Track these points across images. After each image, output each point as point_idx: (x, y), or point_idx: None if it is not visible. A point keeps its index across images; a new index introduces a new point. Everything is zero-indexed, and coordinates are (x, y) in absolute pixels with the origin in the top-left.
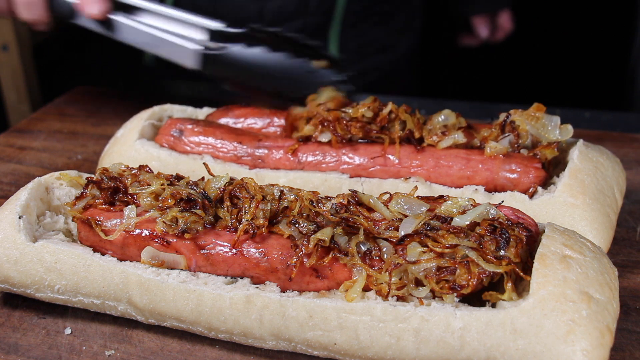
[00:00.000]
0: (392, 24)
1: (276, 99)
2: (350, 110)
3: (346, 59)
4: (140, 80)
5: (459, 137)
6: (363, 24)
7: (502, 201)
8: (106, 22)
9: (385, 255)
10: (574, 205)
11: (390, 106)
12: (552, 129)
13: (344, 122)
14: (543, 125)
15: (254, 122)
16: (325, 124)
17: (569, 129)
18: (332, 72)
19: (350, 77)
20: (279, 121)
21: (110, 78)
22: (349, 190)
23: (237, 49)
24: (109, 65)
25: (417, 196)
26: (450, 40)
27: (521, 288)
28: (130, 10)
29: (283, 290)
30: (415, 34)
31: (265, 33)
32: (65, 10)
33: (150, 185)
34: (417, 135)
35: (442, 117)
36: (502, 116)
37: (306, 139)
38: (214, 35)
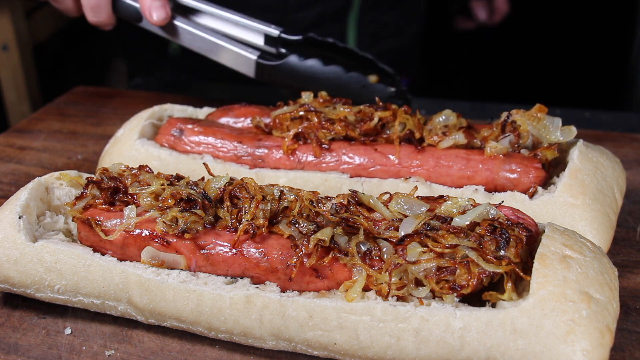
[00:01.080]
0: (404, 7)
1: None
2: (334, 111)
3: (397, 73)
4: (161, 71)
5: (460, 138)
6: (380, 7)
7: (502, 201)
8: (168, 27)
9: (385, 255)
10: (574, 205)
11: (376, 119)
12: (554, 130)
13: (327, 125)
14: (544, 126)
15: None
16: (306, 131)
17: (573, 130)
18: (385, 86)
19: (402, 90)
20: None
21: (112, 78)
22: (349, 190)
23: (293, 60)
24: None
25: (417, 196)
26: (451, 41)
27: (521, 288)
28: (190, 12)
29: (283, 290)
30: (422, 18)
31: (320, 43)
32: (130, 14)
33: (150, 185)
34: (417, 135)
35: (443, 117)
36: (503, 116)
37: (304, 139)
38: (269, 41)
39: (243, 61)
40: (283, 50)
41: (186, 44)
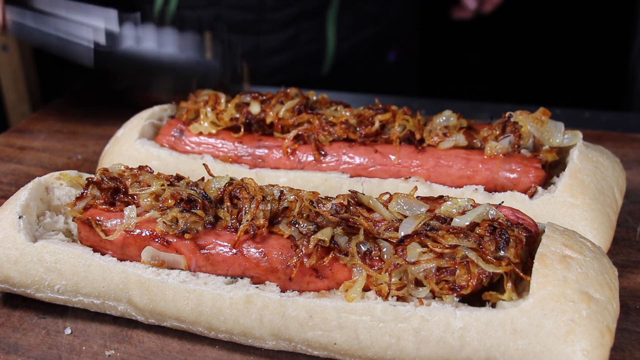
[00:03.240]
0: None
1: (167, 89)
2: (335, 113)
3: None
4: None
5: (460, 139)
6: (358, 0)
7: (502, 201)
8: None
9: (385, 256)
10: (574, 205)
11: (377, 124)
12: (557, 133)
13: (327, 127)
14: (548, 129)
15: None
16: (307, 134)
17: (578, 135)
18: (221, 63)
19: (239, 67)
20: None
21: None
22: (349, 190)
23: (129, 45)
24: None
25: (417, 196)
26: (450, 40)
27: (521, 288)
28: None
29: (283, 290)
30: (405, 1)
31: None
32: None
33: (150, 185)
34: (417, 136)
35: (443, 118)
36: (505, 116)
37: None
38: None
39: (81, 50)
40: (120, 40)
41: (25, 38)
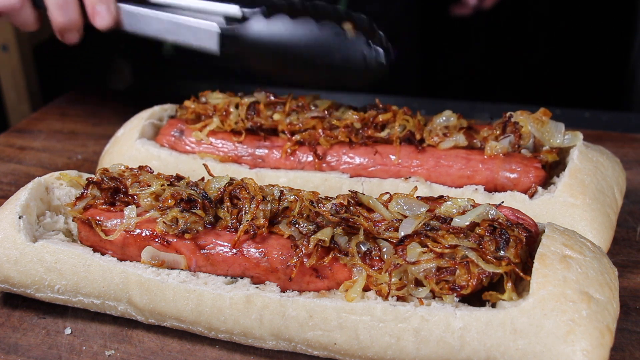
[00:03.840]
0: None
1: (307, 71)
2: (342, 115)
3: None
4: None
5: (460, 139)
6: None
7: (502, 201)
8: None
9: (385, 256)
10: (574, 205)
11: (385, 132)
12: (557, 134)
13: (329, 132)
14: (548, 130)
15: None
16: (308, 140)
17: (579, 135)
18: (364, 36)
19: (384, 40)
20: None
21: (107, 78)
22: (349, 190)
23: (258, 20)
24: (111, 65)
25: (417, 196)
26: (451, 40)
27: (521, 288)
28: (146, 4)
29: (283, 290)
30: None
31: (285, 5)
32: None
33: (150, 185)
34: (418, 136)
35: (444, 118)
36: (505, 116)
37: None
38: (230, 20)
39: (205, 35)
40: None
41: (140, 29)
